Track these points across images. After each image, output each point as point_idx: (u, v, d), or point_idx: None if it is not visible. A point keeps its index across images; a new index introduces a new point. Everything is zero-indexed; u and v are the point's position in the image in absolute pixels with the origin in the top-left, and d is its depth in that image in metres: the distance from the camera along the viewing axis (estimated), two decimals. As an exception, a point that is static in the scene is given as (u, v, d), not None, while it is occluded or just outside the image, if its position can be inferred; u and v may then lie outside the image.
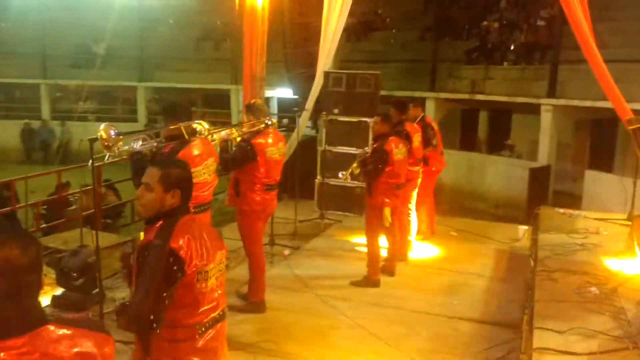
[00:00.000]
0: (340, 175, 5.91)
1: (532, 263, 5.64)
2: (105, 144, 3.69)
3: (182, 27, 19.33)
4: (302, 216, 7.57)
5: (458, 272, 6.23)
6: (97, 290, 4.93)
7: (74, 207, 10.48)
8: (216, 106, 18.81)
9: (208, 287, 2.41)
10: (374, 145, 5.60)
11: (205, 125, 4.16)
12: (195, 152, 4.07)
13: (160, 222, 2.42)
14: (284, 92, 14.07)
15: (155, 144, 3.97)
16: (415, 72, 15.08)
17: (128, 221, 10.69)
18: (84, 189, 10.23)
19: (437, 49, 14.73)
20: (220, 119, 17.42)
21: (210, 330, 2.47)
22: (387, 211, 5.71)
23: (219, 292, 2.53)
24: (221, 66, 17.60)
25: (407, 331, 4.84)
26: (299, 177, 7.48)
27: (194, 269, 2.33)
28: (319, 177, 8.31)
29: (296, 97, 11.15)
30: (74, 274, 4.95)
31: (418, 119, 6.93)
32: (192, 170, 4.00)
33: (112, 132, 3.70)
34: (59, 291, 5.16)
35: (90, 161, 4.04)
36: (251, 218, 5.10)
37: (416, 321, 5.03)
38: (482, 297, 5.62)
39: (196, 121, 4.15)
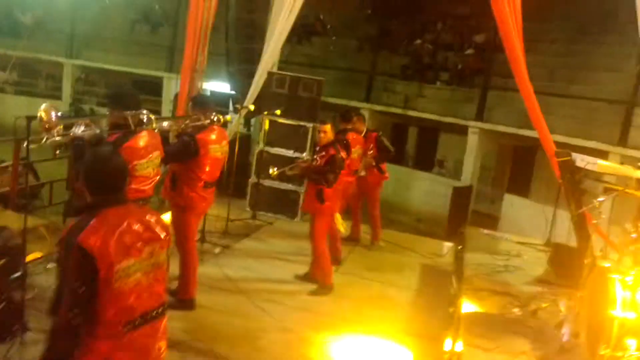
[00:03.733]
0: (269, 170, 5.91)
1: (454, 280, 5.87)
2: (46, 125, 3.48)
3: (117, 6, 18.59)
4: (234, 215, 7.50)
5: (385, 282, 6.38)
6: (18, 274, 4.66)
7: (-16, 182, 9.85)
8: (147, 93, 18.20)
9: (130, 283, 2.31)
10: (322, 153, 5.60)
11: (153, 116, 4.02)
12: (141, 143, 3.94)
13: (82, 215, 2.32)
14: (219, 85, 13.86)
15: (98, 131, 3.80)
16: (352, 81, 15.30)
17: (45, 203, 10.12)
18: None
19: (375, 61, 15.02)
20: (150, 106, 16.87)
21: (141, 328, 2.39)
22: (338, 216, 5.78)
23: (153, 287, 2.43)
24: (156, 52, 17.08)
25: (336, 338, 4.90)
26: (230, 174, 7.40)
27: (107, 265, 2.21)
28: (253, 176, 8.27)
29: (233, 92, 11.03)
30: (-8, 257, 4.63)
31: (363, 132, 7.08)
32: (136, 163, 3.89)
33: (54, 114, 3.50)
34: (-28, 274, 4.82)
35: (26, 142, 3.79)
36: (186, 214, 4.99)
37: (344, 328, 5.10)
38: (408, 309, 5.77)
39: (144, 111, 4.01)
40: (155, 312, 2.46)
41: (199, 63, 8.53)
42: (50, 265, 5.47)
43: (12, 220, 7.45)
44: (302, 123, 8.05)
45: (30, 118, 3.86)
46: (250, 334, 4.76)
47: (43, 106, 3.55)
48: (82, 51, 17.90)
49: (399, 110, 14.13)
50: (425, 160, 14.69)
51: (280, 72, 8.80)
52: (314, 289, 5.79)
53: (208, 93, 16.39)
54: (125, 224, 2.32)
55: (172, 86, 17.03)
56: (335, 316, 5.33)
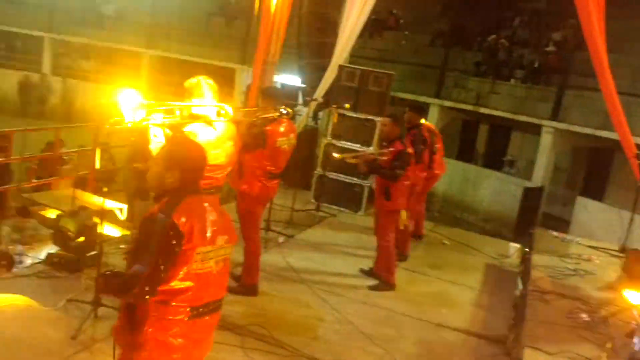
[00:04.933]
0: (334, 154, 5.93)
1: (520, 282, 5.71)
2: (129, 110, 3.63)
3: (195, -1, 19.16)
4: (298, 206, 7.60)
5: (448, 281, 6.29)
6: (93, 252, 4.93)
7: (67, 166, 10.42)
8: (219, 84, 18.66)
9: (205, 268, 2.40)
10: (391, 148, 5.56)
11: (229, 108, 4.11)
12: (215, 134, 4.02)
13: (166, 199, 2.42)
14: (290, 78, 14.03)
15: (177, 119, 3.92)
16: (422, 76, 15.13)
17: (120, 187, 10.57)
18: (79, 149, 10.18)
19: (447, 57, 14.77)
20: (222, 97, 17.29)
21: (203, 317, 2.46)
22: (403, 213, 5.75)
23: (220, 278, 2.51)
24: (230, 44, 17.50)
25: (395, 333, 4.89)
26: (296, 166, 7.49)
27: (191, 246, 2.34)
28: (319, 169, 8.33)
29: (303, 85, 11.13)
30: (71, 234, 4.92)
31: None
32: (211, 151, 3.97)
33: (137, 100, 3.65)
34: (54, 249, 5.14)
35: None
36: (251, 202, 5.09)
37: (404, 324, 5.08)
38: (470, 309, 5.68)
39: (222, 104, 4.10)
40: (217, 303, 2.54)
41: (271, 55, 8.68)
42: (123, 246, 5.73)
43: (89, 201, 7.88)
44: (370, 117, 8.02)
45: (112, 104, 4.05)
46: (310, 323, 4.83)
47: (128, 91, 3.69)
48: (159, 42, 18.55)
49: (469, 107, 13.86)
50: (495, 159, 14.33)
51: (350, 65, 8.80)
52: (375, 284, 5.78)
53: (279, 85, 16.67)
54: (205, 211, 2.44)
55: (244, 78, 17.38)
56: (395, 311, 5.31)
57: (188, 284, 2.36)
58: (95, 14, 18.49)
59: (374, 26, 16.32)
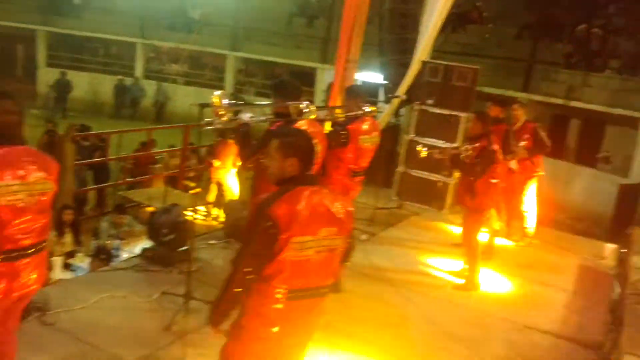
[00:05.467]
0: (418, 149, 5.90)
1: (617, 285, 5.40)
2: (217, 111, 3.76)
3: (276, 0, 19.50)
4: (381, 203, 7.57)
5: (538, 282, 6.06)
6: (184, 247, 5.14)
7: (158, 165, 10.94)
8: (301, 83, 18.92)
9: (302, 257, 2.49)
10: (476, 145, 5.43)
11: (313, 107, 4.15)
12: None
13: (280, 188, 2.55)
14: (370, 76, 14.00)
15: (263, 118, 4.02)
16: (508, 70, 14.63)
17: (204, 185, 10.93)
18: (170, 149, 10.66)
19: (534, 49, 14.20)
20: (304, 96, 17.51)
21: (302, 300, 2.56)
22: (493, 212, 5.63)
23: (323, 267, 2.57)
24: (311, 44, 17.68)
25: (481, 334, 4.77)
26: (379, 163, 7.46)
27: (288, 236, 2.43)
28: (401, 166, 8.25)
29: (385, 82, 11.07)
30: (164, 230, 5.16)
31: (522, 122, 6.77)
32: None
33: (225, 101, 3.78)
34: (148, 244, 5.41)
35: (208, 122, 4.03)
36: None
37: (492, 325, 4.95)
38: (561, 311, 5.44)
39: (305, 102, 4.15)
40: (318, 290, 2.61)
41: (352, 54, 8.69)
42: (213, 241, 5.94)
43: (179, 198, 8.24)
44: (454, 113, 7.86)
45: (203, 105, 4.21)
46: (393, 322, 4.79)
47: (216, 93, 3.83)
48: (243, 43, 19.04)
49: (560, 101, 13.24)
50: (588, 155, 13.60)
51: (434, 61, 8.66)
52: (460, 283, 5.67)
53: (360, 83, 16.66)
54: (311, 203, 2.51)
55: (325, 77, 17.50)
56: (481, 311, 5.18)
57: (284, 270, 2.47)
58: (184, 19, 19.23)
59: (456, 20, 15.94)
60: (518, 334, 4.87)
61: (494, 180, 5.49)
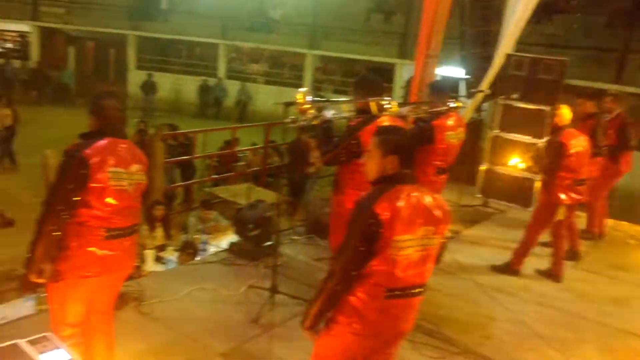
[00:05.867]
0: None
1: None
2: (302, 108, 3.82)
3: (354, -3, 19.53)
4: (464, 201, 7.41)
5: (633, 283, 5.74)
6: (269, 242, 5.27)
7: (242, 162, 11.24)
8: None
9: (402, 256, 2.47)
10: (549, 138, 5.30)
11: (395, 103, 4.13)
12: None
13: (379, 185, 2.55)
14: (451, 70, 13.71)
15: (346, 114, 4.04)
16: (598, 61, 13.93)
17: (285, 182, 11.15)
18: (252, 147, 10.93)
19: (628, 38, 13.42)
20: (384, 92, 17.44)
21: (398, 299, 2.54)
22: (562, 209, 5.40)
23: (420, 266, 2.55)
24: (389, 39, 17.58)
25: (574, 337, 4.57)
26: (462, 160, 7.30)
27: (390, 234, 2.42)
28: (486, 163, 8.04)
29: (466, 76, 10.81)
30: (250, 226, 5.30)
31: (615, 114, 6.43)
32: None
33: (309, 98, 3.83)
34: (235, 239, 5.57)
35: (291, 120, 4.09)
36: None
37: (583, 328, 4.74)
38: (661, 315, 5.13)
39: (386, 98, 4.12)
40: (415, 289, 2.59)
41: (433, 49, 8.55)
42: (295, 237, 6.04)
43: (261, 195, 8.43)
44: (541, 107, 7.56)
45: (288, 104, 4.29)
46: (480, 322, 4.69)
47: (301, 90, 3.89)
48: (321, 42, 19.19)
49: (657, 92, 12.46)
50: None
51: (518, 53, 8.36)
52: (498, 265, 5.73)
53: (439, 78, 16.36)
54: (411, 201, 2.49)
55: (403, 72, 17.36)
56: (573, 313, 4.96)
57: (383, 267, 2.46)
58: (264, 19, 19.63)
59: (542, 10, 15.32)
60: (613, 338, 4.64)
61: (569, 176, 5.30)
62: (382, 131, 2.68)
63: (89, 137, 2.98)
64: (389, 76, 17.83)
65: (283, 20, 19.57)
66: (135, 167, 3.06)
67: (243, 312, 4.41)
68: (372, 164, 2.59)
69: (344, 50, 18.53)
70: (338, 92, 19.50)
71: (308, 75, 19.51)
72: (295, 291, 4.72)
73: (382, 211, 2.41)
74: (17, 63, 20.18)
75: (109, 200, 2.94)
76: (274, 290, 4.52)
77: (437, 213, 2.56)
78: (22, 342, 2.34)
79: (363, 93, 4.05)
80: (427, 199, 2.55)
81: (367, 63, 19.16)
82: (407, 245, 2.47)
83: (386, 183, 2.54)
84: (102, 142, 2.94)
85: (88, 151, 2.86)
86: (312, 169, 9.78)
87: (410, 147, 2.61)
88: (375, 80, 4.22)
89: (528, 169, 7.38)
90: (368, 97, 4.02)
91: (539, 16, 15.27)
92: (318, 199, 6.58)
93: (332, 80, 20.33)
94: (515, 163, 5.53)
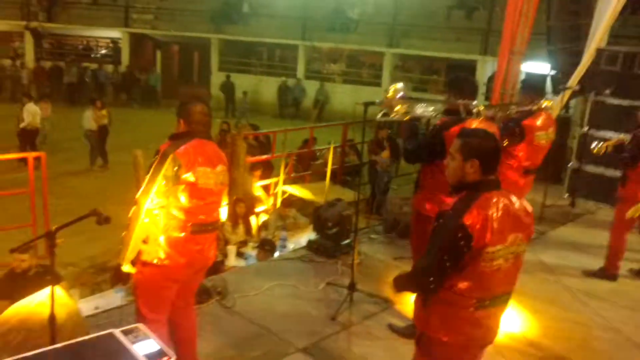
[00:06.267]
0: (593, 145, 5.47)
1: None
2: (391, 103, 3.77)
3: (435, -6, 19.20)
4: (550, 201, 7.11)
5: None
6: (347, 241, 5.27)
7: (319, 161, 11.31)
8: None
9: (493, 266, 2.35)
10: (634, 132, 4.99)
11: (482, 106, 3.98)
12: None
13: (463, 194, 2.42)
14: (535, 66, 13.19)
15: (433, 114, 3.96)
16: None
17: (365, 180, 11.13)
18: (330, 145, 10.97)
19: None
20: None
21: (489, 309, 2.43)
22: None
23: (509, 274, 2.44)
24: (471, 36, 17.16)
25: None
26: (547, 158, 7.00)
27: (480, 246, 2.30)
28: (573, 161, 7.68)
29: (552, 72, 10.37)
30: (329, 224, 5.32)
31: None
32: None
33: (400, 95, 3.78)
34: (313, 236, 5.62)
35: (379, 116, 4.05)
36: None
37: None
38: None
39: (474, 102, 3.99)
40: (503, 297, 2.49)
41: (518, 45, 8.26)
42: (374, 236, 6.01)
43: (339, 193, 8.44)
44: (636, 103, 7.12)
45: (367, 104, 4.29)
46: (569, 327, 4.45)
47: (395, 85, 3.84)
48: (401, 40, 19.01)
49: None
50: None
51: (611, 48, 7.93)
52: (592, 270, 5.44)
53: (524, 75, 15.77)
54: (499, 209, 2.37)
55: (486, 69, 16.90)
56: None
57: (473, 280, 2.35)
58: (342, 19, 19.69)
59: (637, 0, 14.42)
60: None
61: None
62: (465, 133, 2.55)
63: (178, 138, 3.11)
64: (471, 73, 17.40)
65: (361, 19, 19.54)
66: (220, 168, 3.19)
67: (321, 309, 4.44)
68: (452, 167, 2.48)
69: (423, 48, 18.27)
70: (417, 90, 19.25)
71: (386, 74, 19.37)
72: (373, 289, 4.70)
73: (473, 223, 2.29)
74: (109, 68, 21.31)
75: (197, 197, 3.06)
76: (352, 288, 4.52)
77: (525, 218, 2.46)
78: (117, 331, 2.47)
79: (456, 93, 3.93)
80: (516, 205, 2.44)
81: (447, 60, 18.80)
82: (499, 256, 2.35)
83: (471, 190, 2.41)
84: (192, 143, 3.06)
85: (179, 151, 3.00)
86: (378, 167, 9.73)
87: (494, 152, 2.46)
88: (470, 81, 4.11)
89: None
90: (461, 98, 3.91)
91: (633, 7, 14.40)
92: (397, 198, 6.52)
93: (411, 78, 20.10)
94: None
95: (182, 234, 3.06)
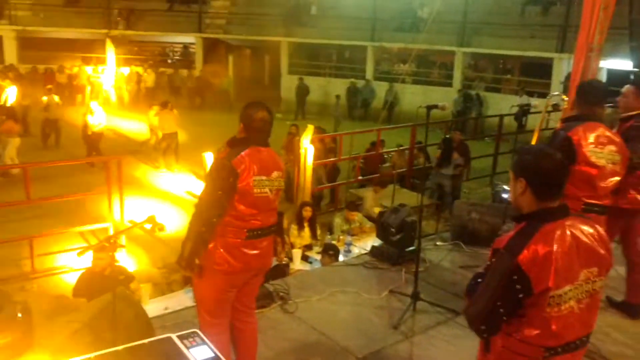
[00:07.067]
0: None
1: None
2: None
3: (509, -9, 18.62)
4: None
5: None
6: (412, 248, 5.18)
7: (387, 164, 11.22)
8: (534, 75, 17.80)
9: (562, 311, 2.05)
10: None
11: (609, 110, 3.77)
12: (591, 138, 3.64)
13: (521, 225, 2.12)
14: (614, 63, 12.54)
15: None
16: None
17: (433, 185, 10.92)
18: (398, 148, 10.85)
19: None
20: (538, 89, 16.47)
21: (562, 355, 2.14)
22: None
23: (584, 315, 2.13)
24: (547, 32, 16.50)
25: None
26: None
27: (542, 290, 1.99)
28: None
29: (636, 70, 9.80)
30: (393, 230, 5.25)
31: None
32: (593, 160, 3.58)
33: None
34: (377, 242, 5.57)
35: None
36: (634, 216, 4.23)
37: None
38: None
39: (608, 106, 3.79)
40: (578, 343, 2.19)
41: (596, 40, 7.85)
42: (439, 243, 5.88)
43: (406, 197, 8.33)
44: None
45: (430, 107, 4.21)
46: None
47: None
48: (471, 38, 18.55)
49: None
50: None
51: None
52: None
53: (604, 72, 15.00)
54: (566, 243, 2.06)
55: (562, 67, 16.21)
56: None
57: (540, 327, 2.07)
58: (411, 19, 19.45)
59: None
60: None
61: None
62: (522, 149, 2.26)
63: (235, 144, 3.15)
64: (547, 71, 16.75)
65: (431, 18, 19.20)
66: (275, 174, 3.22)
67: (383, 317, 4.39)
68: (510, 188, 2.22)
69: (496, 46, 17.73)
70: (490, 89, 18.73)
71: (458, 74, 18.97)
72: (438, 299, 4.59)
73: (529, 264, 1.99)
74: (184, 72, 22.02)
75: (253, 205, 3.11)
76: (415, 296, 4.43)
77: (600, 249, 2.13)
78: (174, 336, 2.53)
79: (584, 100, 3.77)
80: (586, 234, 2.11)
81: (521, 59, 18.18)
82: (568, 298, 2.05)
83: (531, 221, 2.11)
84: (248, 152, 3.09)
85: (236, 161, 3.04)
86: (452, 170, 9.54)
87: (544, 169, 2.10)
88: (600, 87, 3.93)
89: None
90: (589, 105, 3.75)
91: None
92: (465, 203, 6.35)
93: (484, 77, 19.57)
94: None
95: (239, 239, 3.12)
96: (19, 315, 3.53)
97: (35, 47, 21.44)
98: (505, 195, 6.63)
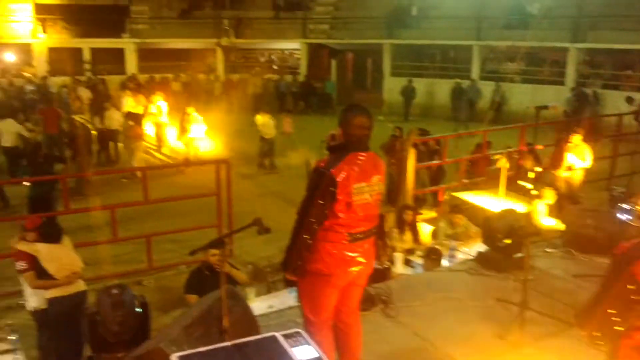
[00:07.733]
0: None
1: None
2: None
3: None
4: None
5: None
6: (519, 254, 4.96)
7: (494, 166, 10.80)
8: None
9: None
10: None
11: None
12: None
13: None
14: None
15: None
16: None
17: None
18: (506, 150, 10.42)
19: None
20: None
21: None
22: None
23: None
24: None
25: None
26: None
27: None
28: None
29: None
30: (499, 235, 5.06)
31: None
32: None
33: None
34: (483, 248, 5.39)
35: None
36: None
37: None
38: None
39: None
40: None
41: None
42: (550, 249, 5.59)
43: (515, 202, 7.97)
44: None
45: (540, 108, 4.01)
46: None
47: None
48: (586, 33, 17.48)
49: None
50: None
51: None
52: None
53: None
54: None
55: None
56: None
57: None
58: (520, 16, 18.66)
59: None
60: None
61: None
62: None
63: (335, 150, 3.19)
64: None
65: (541, 14, 18.29)
66: (375, 178, 3.22)
67: (489, 326, 4.24)
68: None
69: (615, 40, 16.55)
70: (608, 87, 17.53)
71: (571, 71, 17.92)
72: (549, 309, 4.37)
73: None
74: (289, 78, 22.55)
75: (354, 211, 3.14)
76: (524, 305, 4.23)
77: None
78: (279, 335, 2.61)
79: None
80: None
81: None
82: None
83: None
84: (347, 159, 3.11)
85: (335, 170, 3.07)
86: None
87: None
88: None
89: None
90: None
91: None
92: (578, 209, 5.99)
93: (600, 74, 18.35)
94: None
95: (340, 243, 3.16)
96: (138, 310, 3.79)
97: (153, 57, 22.90)
98: (623, 217, 5.66)
